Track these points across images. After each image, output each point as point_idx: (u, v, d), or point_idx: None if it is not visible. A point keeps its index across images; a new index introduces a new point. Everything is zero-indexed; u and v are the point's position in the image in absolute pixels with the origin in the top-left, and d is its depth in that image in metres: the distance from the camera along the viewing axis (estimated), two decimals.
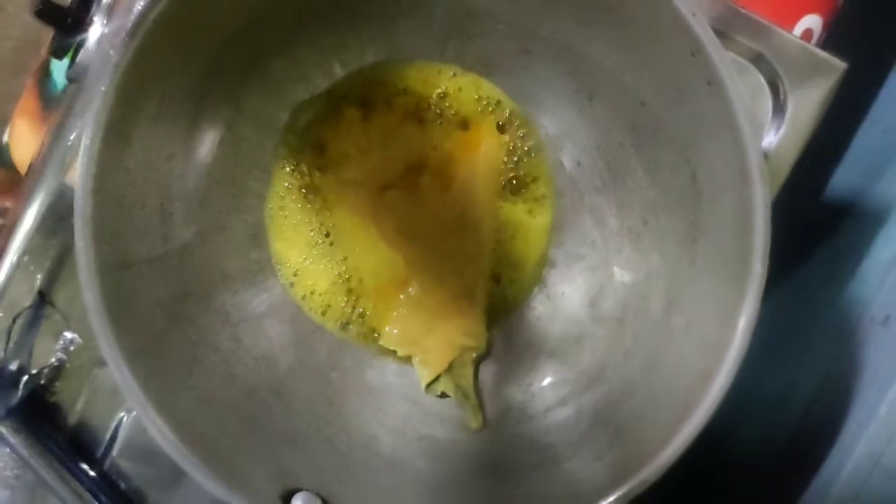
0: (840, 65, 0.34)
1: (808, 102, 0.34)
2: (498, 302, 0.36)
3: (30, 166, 0.39)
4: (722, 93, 0.26)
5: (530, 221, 0.36)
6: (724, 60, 0.26)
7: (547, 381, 0.35)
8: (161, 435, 0.29)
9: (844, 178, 0.48)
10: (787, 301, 0.46)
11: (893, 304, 0.40)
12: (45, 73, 0.47)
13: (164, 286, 0.32)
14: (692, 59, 0.27)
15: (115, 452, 0.39)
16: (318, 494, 0.31)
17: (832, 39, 0.42)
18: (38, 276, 0.38)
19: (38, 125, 0.47)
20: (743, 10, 0.35)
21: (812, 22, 0.42)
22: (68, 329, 0.39)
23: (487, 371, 0.36)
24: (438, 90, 0.35)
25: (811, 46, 0.34)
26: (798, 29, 0.41)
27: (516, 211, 0.36)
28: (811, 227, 0.47)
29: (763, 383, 0.44)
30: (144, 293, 0.31)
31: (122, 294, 0.30)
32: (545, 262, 0.36)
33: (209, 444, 0.30)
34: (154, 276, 0.31)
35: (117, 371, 0.29)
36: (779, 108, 0.34)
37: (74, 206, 0.29)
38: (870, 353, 0.39)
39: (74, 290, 0.38)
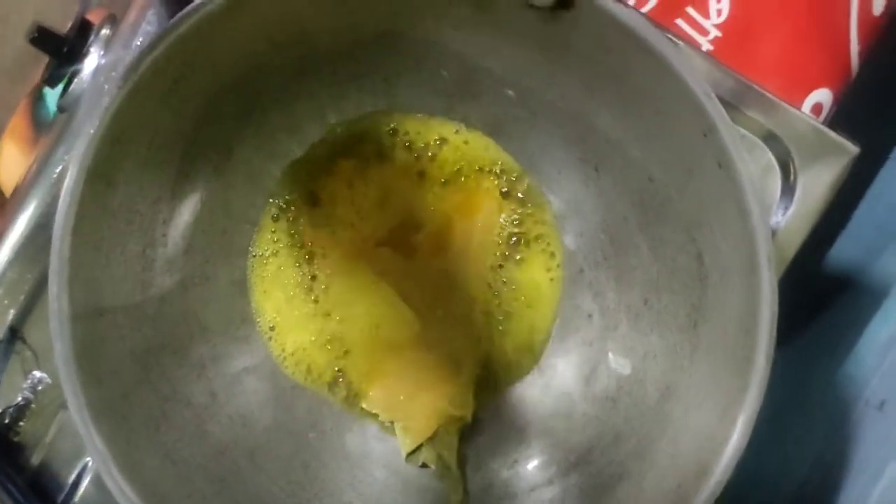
0: (852, 149, 0.33)
1: (817, 184, 0.33)
2: (488, 372, 0.35)
3: (14, 191, 0.38)
4: (733, 176, 0.26)
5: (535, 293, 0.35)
6: (737, 143, 0.25)
7: (534, 457, 0.33)
8: (121, 493, 0.27)
9: (845, 252, 0.47)
10: (782, 376, 0.45)
11: (890, 387, 0.39)
12: (38, 96, 0.46)
13: (139, 336, 0.30)
14: (704, 139, 0.26)
15: (76, 499, 0.37)
16: None
17: (841, 111, 0.42)
18: (11, 311, 0.37)
19: (27, 148, 0.46)
20: (755, 86, 0.34)
21: (822, 96, 0.41)
22: (38, 368, 0.37)
23: (472, 443, 0.34)
24: (441, 147, 0.34)
25: (824, 128, 0.34)
26: (808, 103, 0.41)
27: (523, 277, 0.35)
28: (809, 300, 0.46)
29: (756, 460, 0.43)
30: (117, 343, 0.29)
31: (94, 343, 0.28)
32: (545, 341, 0.35)
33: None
34: (129, 326, 0.30)
35: (81, 424, 0.28)
36: (788, 188, 0.34)
37: (52, 247, 0.27)
38: (864, 438, 0.38)
39: (48, 328, 0.37)
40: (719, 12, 0.41)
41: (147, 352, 0.31)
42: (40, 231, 0.36)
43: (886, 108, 0.45)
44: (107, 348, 0.29)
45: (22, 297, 0.36)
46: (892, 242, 0.44)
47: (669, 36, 0.27)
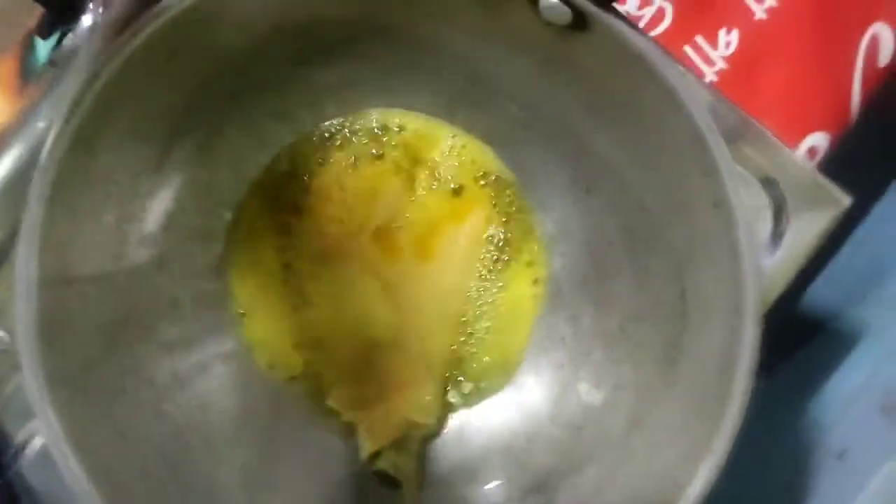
0: (846, 200, 0.33)
1: (808, 232, 0.33)
2: (459, 384, 0.34)
3: None
4: (728, 218, 0.25)
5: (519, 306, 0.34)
6: (736, 186, 0.25)
7: (494, 476, 0.33)
8: (69, 467, 0.27)
9: (821, 295, 0.47)
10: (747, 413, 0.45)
11: (852, 437, 0.40)
12: (29, 45, 0.45)
13: (107, 308, 0.29)
14: (703, 178, 0.26)
15: (22, 463, 0.36)
16: None
17: (832, 157, 0.42)
18: None
19: (11, 96, 0.45)
20: (757, 125, 0.34)
21: (819, 140, 0.41)
22: None
23: (433, 454, 0.34)
24: (436, 149, 0.34)
25: (821, 177, 0.33)
26: (804, 146, 0.41)
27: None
28: (780, 339, 0.46)
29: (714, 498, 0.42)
30: (83, 313, 0.29)
31: (59, 311, 0.27)
32: (520, 360, 0.34)
33: (120, 486, 0.28)
34: (97, 296, 0.29)
35: (35, 394, 0.27)
36: (777, 232, 0.33)
37: (26, 210, 0.26)
38: (823, 487, 0.38)
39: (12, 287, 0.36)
40: (728, 44, 0.40)
41: (113, 325, 0.30)
42: (13, 187, 0.35)
43: (877, 159, 0.45)
44: (72, 318, 0.28)
45: None
46: (870, 292, 0.44)
47: (679, 68, 0.27)
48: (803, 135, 0.41)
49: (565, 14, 0.26)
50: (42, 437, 0.35)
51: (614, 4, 0.26)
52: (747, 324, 0.25)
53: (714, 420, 0.26)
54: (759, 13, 0.40)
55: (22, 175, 0.34)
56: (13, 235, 0.34)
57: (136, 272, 0.31)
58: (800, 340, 0.45)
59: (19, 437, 0.35)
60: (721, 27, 0.40)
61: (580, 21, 0.26)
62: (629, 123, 0.28)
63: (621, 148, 0.29)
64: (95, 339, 0.29)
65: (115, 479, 0.27)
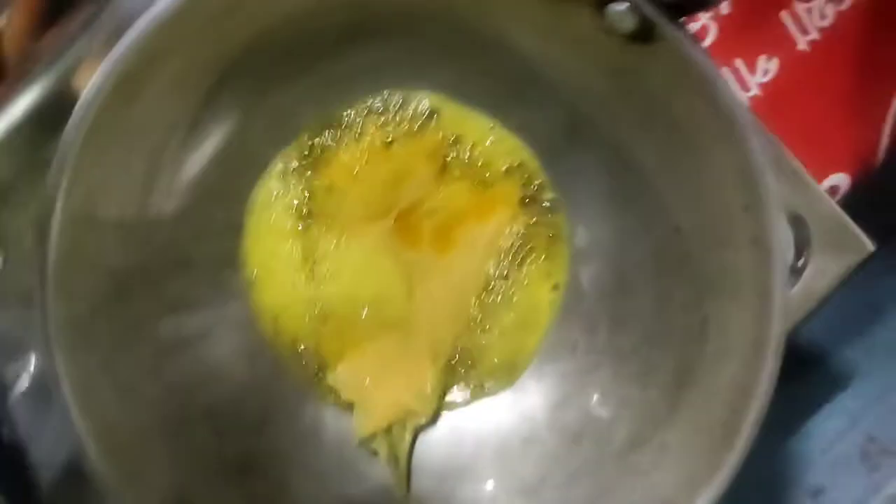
0: (869, 247, 0.33)
1: (827, 274, 0.33)
2: (462, 380, 0.34)
3: (20, 60, 0.36)
4: (765, 257, 0.25)
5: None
6: (778, 226, 0.25)
7: (485, 475, 0.33)
8: (71, 411, 0.26)
9: (814, 333, 0.48)
10: None
11: (829, 477, 0.40)
12: None
13: (122, 255, 0.29)
14: (744, 212, 0.26)
15: (9, 402, 0.35)
16: None
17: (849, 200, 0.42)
18: None
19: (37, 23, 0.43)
20: (791, 158, 0.33)
21: (841, 181, 0.41)
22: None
23: (426, 446, 0.34)
24: (474, 140, 0.33)
25: (848, 219, 0.33)
26: (825, 184, 0.41)
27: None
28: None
29: None
30: (99, 257, 0.28)
31: (76, 252, 0.27)
32: (528, 364, 0.34)
33: (114, 437, 0.27)
34: (115, 243, 0.29)
35: (42, 333, 0.26)
36: (796, 269, 0.33)
37: (60, 147, 0.26)
38: None
39: (19, 213, 0.35)
40: (766, 71, 0.40)
41: (126, 273, 0.29)
42: (37, 119, 0.34)
43: (889, 208, 0.45)
44: (87, 260, 0.28)
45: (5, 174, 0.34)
46: (862, 335, 0.44)
47: (739, 96, 0.26)
48: (827, 173, 0.41)
49: (631, 23, 0.25)
50: (29, 376, 0.34)
51: (682, 20, 0.25)
52: (767, 360, 0.25)
53: (719, 451, 0.26)
54: (802, 44, 0.40)
55: (45, 108, 0.34)
56: (37, 167, 0.34)
57: (156, 224, 0.30)
58: (786, 375, 0.45)
59: (6, 375, 0.35)
60: (762, 53, 0.40)
61: (646, 32, 0.25)
62: (679, 144, 0.27)
63: (666, 168, 0.29)
64: (106, 286, 0.29)
65: (109, 429, 0.27)
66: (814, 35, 0.40)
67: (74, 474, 0.32)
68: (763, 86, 0.40)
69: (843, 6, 0.41)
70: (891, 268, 0.45)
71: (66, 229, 0.26)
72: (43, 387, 0.33)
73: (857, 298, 0.46)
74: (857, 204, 0.41)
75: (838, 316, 0.46)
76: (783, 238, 0.26)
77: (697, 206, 0.28)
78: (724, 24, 0.40)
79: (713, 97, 0.25)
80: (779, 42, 0.40)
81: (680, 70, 0.25)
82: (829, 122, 0.40)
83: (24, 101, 0.33)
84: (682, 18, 0.25)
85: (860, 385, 0.43)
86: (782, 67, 0.40)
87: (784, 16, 0.41)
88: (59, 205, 0.26)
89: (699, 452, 0.27)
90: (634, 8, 0.25)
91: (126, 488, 0.27)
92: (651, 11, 0.25)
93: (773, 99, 0.40)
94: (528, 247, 0.34)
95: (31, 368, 0.34)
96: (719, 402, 0.27)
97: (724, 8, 0.40)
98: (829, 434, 0.42)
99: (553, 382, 0.33)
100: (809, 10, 0.41)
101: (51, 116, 0.33)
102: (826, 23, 0.41)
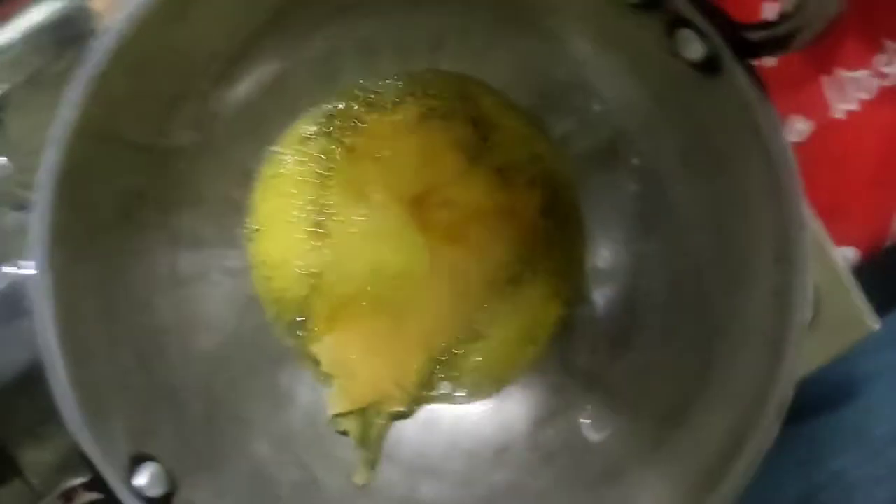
0: (874, 325, 0.33)
1: (826, 345, 0.32)
2: (448, 377, 0.33)
3: None
4: (784, 314, 0.25)
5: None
6: (804, 285, 0.24)
7: (451, 475, 0.32)
8: (44, 325, 0.25)
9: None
10: None
11: None
12: None
13: (132, 179, 0.28)
14: (774, 264, 0.25)
15: None
16: (169, 471, 0.27)
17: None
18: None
19: None
20: (815, 222, 0.33)
21: (849, 254, 0.41)
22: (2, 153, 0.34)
23: (401, 433, 0.33)
24: (508, 137, 0.33)
25: (858, 293, 0.33)
26: None
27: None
28: None
29: None
30: (108, 176, 0.27)
31: (85, 166, 0.26)
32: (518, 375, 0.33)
33: (85, 359, 0.26)
34: (127, 164, 0.27)
35: (37, 242, 0.25)
36: None
37: (89, 54, 0.24)
38: None
39: (30, 117, 0.33)
40: (800, 132, 0.40)
41: (133, 197, 0.28)
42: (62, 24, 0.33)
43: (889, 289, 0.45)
44: (95, 176, 0.26)
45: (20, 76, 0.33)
46: (825, 412, 0.44)
47: (791, 150, 0.26)
48: (838, 245, 0.41)
49: (700, 51, 0.25)
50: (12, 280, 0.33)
51: (754, 62, 0.25)
52: (768, 416, 0.25)
53: (699, 499, 0.25)
54: (839, 113, 0.40)
55: (65, 20, 0.32)
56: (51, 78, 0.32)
57: (172, 153, 0.29)
58: None
59: None
60: (798, 113, 0.40)
61: (711, 64, 0.25)
62: (718, 185, 0.27)
63: (699, 206, 0.28)
64: (110, 206, 0.27)
65: (82, 350, 0.26)
66: (852, 105, 0.40)
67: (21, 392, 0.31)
68: (794, 146, 0.40)
69: (887, 82, 0.41)
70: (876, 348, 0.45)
71: (80, 141, 0.25)
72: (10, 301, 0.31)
73: (839, 372, 0.45)
74: (861, 281, 0.40)
75: (816, 385, 0.46)
76: (807, 298, 0.25)
77: (725, 248, 0.27)
78: (766, 76, 0.40)
79: (767, 146, 0.24)
80: (816, 106, 0.40)
81: (737, 110, 0.25)
82: (850, 193, 0.40)
83: (44, 9, 0.32)
84: (753, 59, 0.25)
85: (825, 458, 0.43)
86: (815, 131, 0.40)
87: (825, 81, 0.40)
88: (76, 114, 0.24)
89: (678, 497, 0.26)
90: (706, 37, 0.24)
91: (89, 419, 0.26)
92: (721, 44, 0.24)
93: (802, 161, 0.40)
94: (544, 258, 0.33)
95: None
96: (709, 448, 0.26)
97: (770, 61, 0.40)
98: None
99: (541, 396, 0.33)
100: (852, 81, 0.40)
101: (70, 29, 0.32)
102: (867, 96, 0.40)
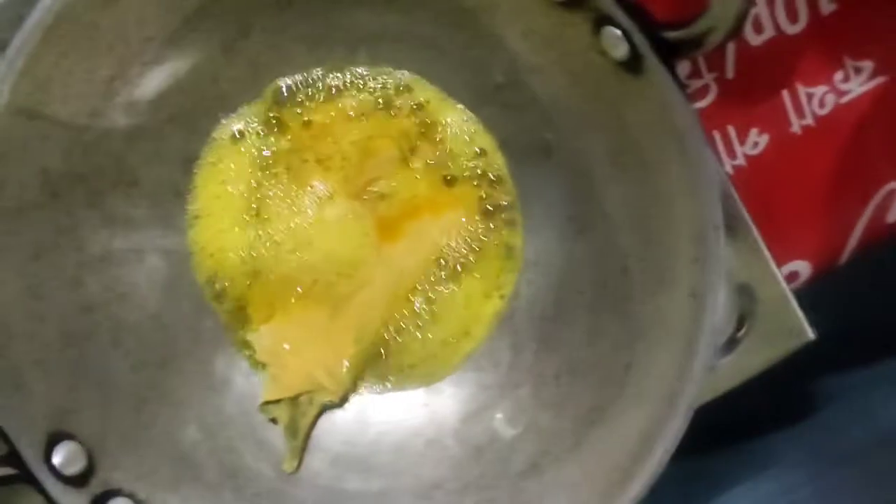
0: (808, 335, 0.33)
1: (760, 352, 0.32)
2: (380, 367, 0.34)
3: None
4: (698, 314, 0.25)
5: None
6: (718, 287, 0.25)
7: (379, 467, 0.32)
8: None
9: (745, 412, 0.47)
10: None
11: None
12: None
13: (63, 158, 0.28)
14: (691, 264, 0.25)
15: None
16: (88, 450, 0.27)
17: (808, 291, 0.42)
18: None
19: None
20: (755, 232, 0.33)
21: (802, 268, 0.41)
22: None
23: (330, 423, 0.33)
24: (447, 133, 0.33)
25: (795, 304, 0.33)
26: (787, 268, 0.41)
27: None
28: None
29: None
30: (36, 153, 0.27)
31: (14, 141, 0.26)
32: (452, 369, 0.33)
33: (9, 337, 0.27)
34: (57, 143, 0.28)
35: None
36: (732, 340, 0.33)
37: (20, 31, 0.25)
38: None
39: None
40: (756, 144, 0.40)
41: (63, 177, 0.28)
42: None
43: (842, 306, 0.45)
44: (22, 153, 0.27)
45: None
46: (788, 427, 0.44)
47: (710, 153, 0.26)
48: (791, 258, 0.41)
49: (623, 50, 0.25)
50: None
51: (675, 64, 0.25)
52: (677, 416, 0.25)
53: (611, 497, 0.25)
54: (796, 127, 0.40)
55: None
56: None
57: (107, 136, 0.29)
58: (707, 447, 0.45)
59: None
60: (755, 126, 0.40)
61: (635, 63, 0.25)
62: (645, 187, 0.27)
63: (626, 207, 0.29)
64: (39, 185, 0.28)
65: (4, 327, 0.26)
66: (808, 121, 0.40)
67: None
68: (750, 158, 0.40)
69: (843, 100, 0.41)
70: (831, 366, 0.45)
71: (7, 117, 0.25)
72: None
73: (795, 389, 0.46)
74: (812, 296, 0.40)
75: (772, 400, 0.46)
76: (720, 299, 0.25)
77: (649, 249, 0.28)
78: (725, 88, 0.40)
79: (684, 146, 0.25)
80: (774, 119, 0.40)
81: (657, 110, 0.25)
82: (804, 208, 0.40)
83: None
84: (674, 58, 0.25)
85: (777, 474, 0.43)
86: (771, 144, 0.40)
87: (784, 95, 0.40)
88: (4, 89, 0.25)
89: (592, 493, 0.26)
90: (628, 36, 0.25)
91: (6, 393, 0.26)
92: (642, 43, 0.24)
93: (757, 173, 0.40)
94: (478, 253, 0.33)
95: None
96: (624, 447, 0.26)
97: (729, 72, 0.40)
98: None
99: (470, 392, 0.33)
100: (810, 96, 0.41)
101: None
102: (824, 111, 0.40)
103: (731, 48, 0.39)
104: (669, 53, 0.25)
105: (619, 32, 0.25)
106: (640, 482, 0.25)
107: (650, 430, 0.25)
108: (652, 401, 0.26)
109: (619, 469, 0.26)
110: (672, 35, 0.24)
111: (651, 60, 0.24)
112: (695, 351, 0.25)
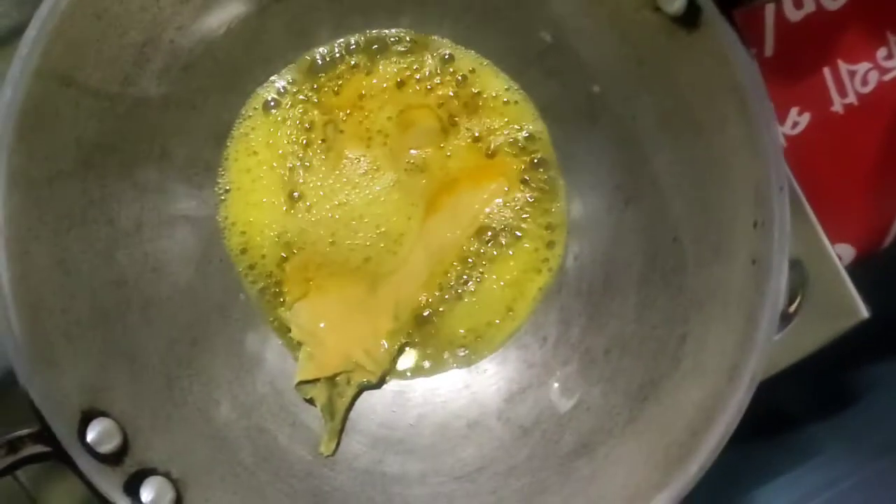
0: (863, 313, 0.32)
1: (815, 331, 0.31)
2: (422, 348, 0.32)
3: None
4: (762, 281, 0.24)
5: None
6: (783, 250, 0.24)
7: (419, 449, 0.31)
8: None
9: (786, 401, 0.46)
10: None
11: None
12: None
13: (96, 127, 0.27)
14: (752, 230, 0.24)
15: None
16: (122, 428, 0.26)
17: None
18: None
19: None
20: (808, 207, 0.32)
21: (845, 251, 0.40)
22: None
23: (368, 404, 0.32)
24: (490, 103, 0.32)
25: (849, 282, 0.32)
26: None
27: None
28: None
29: None
30: (70, 122, 0.26)
31: (46, 110, 0.25)
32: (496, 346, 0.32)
33: (42, 312, 0.26)
34: (91, 112, 0.27)
35: None
36: (785, 316, 0.32)
37: None
38: None
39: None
40: (795, 124, 0.39)
41: (95, 147, 0.27)
42: None
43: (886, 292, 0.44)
44: (56, 121, 0.26)
45: None
46: (830, 417, 0.43)
47: (772, 111, 0.25)
48: (833, 241, 0.40)
49: (680, 3, 0.24)
50: None
51: (734, 12, 0.24)
52: (740, 389, 0.24)
53: (668, 473, 0.24)
54: (837, 106, 0.39)
55: None
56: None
57: (139, 104, 0.28)
58: (749, 434, 0.44)
59: None
60: (795, 105, 0.39)
61: (692, 17, 0.24)
62: (697, 149, 0.26)
63: (678, 173, 0.28)
64: (71, 154, 0.27)
65: (35, 298, 0.25)
66: (851, 99, 0.39)
67: None
68: (790, 138, 0.39)
69: (887, 77, 0.40)
70: (872, 354, 0.44)
71: (39, 81, 0.24)
72: None
73: (837, 377, 0.44)
74: (854, 280, 0.39)
75: (814, 390, 0.45)
76: (785, 264, 0.24)
77: (702, 216, 0.27)
78: (764, 66, 0.39)
79: (745, 101, 0.24)
80: (814, 98, 0.39)
81: (714, 66, 0.24)
82: (847, 190, 0.39)
83: None
84: (732, 8, 0.24)
85: (820, 465, 0.42)
86: (812, 124, 0.39)
87: (826, 72, 0.39)
88: (36, 52, 0.24)
89: (648, 471, 0.25)
90: None
91: (40, 369, 0.25)
92: None
93: (797, 154, 0.39)
94: (522, 227, 0.32)
95: None
96: (682, 422, 0.25)
97: (768, 50, 0.39)
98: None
99: (515, 370, 0.32)
100: (853, 74, 0.39)
101: None
102: (867, 90, 0.39)
103: (769, 24, 0.38)
104: (728, 3, 0.24)
105: None
106: (701, 458, 0.24)
107: (709, 405, 0.24)
108: (710, 374, 0.25)
109: (678, 444, 0.25)
110: None
111: (710, 12, 0.23)
112: (757, 319, 0.24)
